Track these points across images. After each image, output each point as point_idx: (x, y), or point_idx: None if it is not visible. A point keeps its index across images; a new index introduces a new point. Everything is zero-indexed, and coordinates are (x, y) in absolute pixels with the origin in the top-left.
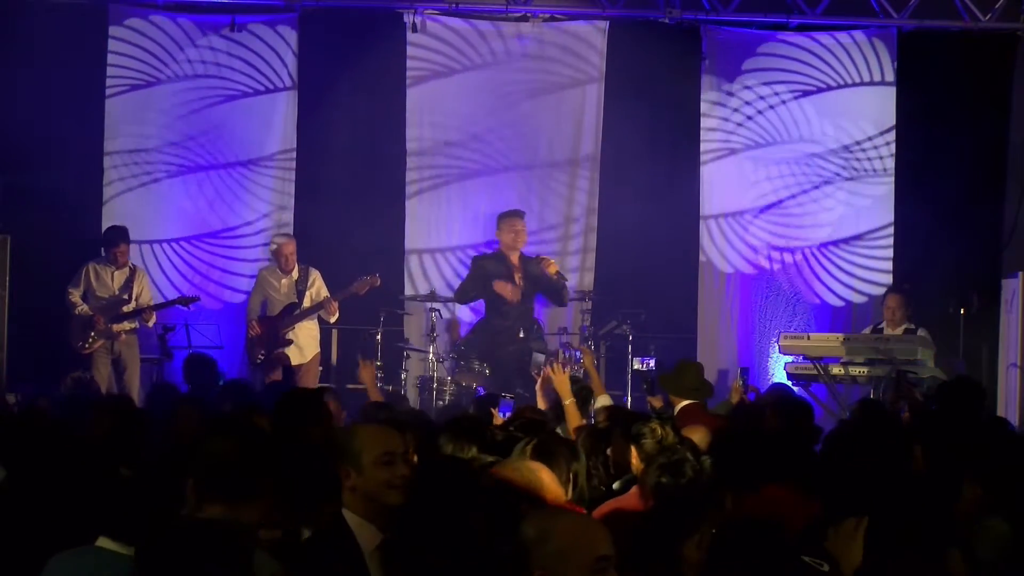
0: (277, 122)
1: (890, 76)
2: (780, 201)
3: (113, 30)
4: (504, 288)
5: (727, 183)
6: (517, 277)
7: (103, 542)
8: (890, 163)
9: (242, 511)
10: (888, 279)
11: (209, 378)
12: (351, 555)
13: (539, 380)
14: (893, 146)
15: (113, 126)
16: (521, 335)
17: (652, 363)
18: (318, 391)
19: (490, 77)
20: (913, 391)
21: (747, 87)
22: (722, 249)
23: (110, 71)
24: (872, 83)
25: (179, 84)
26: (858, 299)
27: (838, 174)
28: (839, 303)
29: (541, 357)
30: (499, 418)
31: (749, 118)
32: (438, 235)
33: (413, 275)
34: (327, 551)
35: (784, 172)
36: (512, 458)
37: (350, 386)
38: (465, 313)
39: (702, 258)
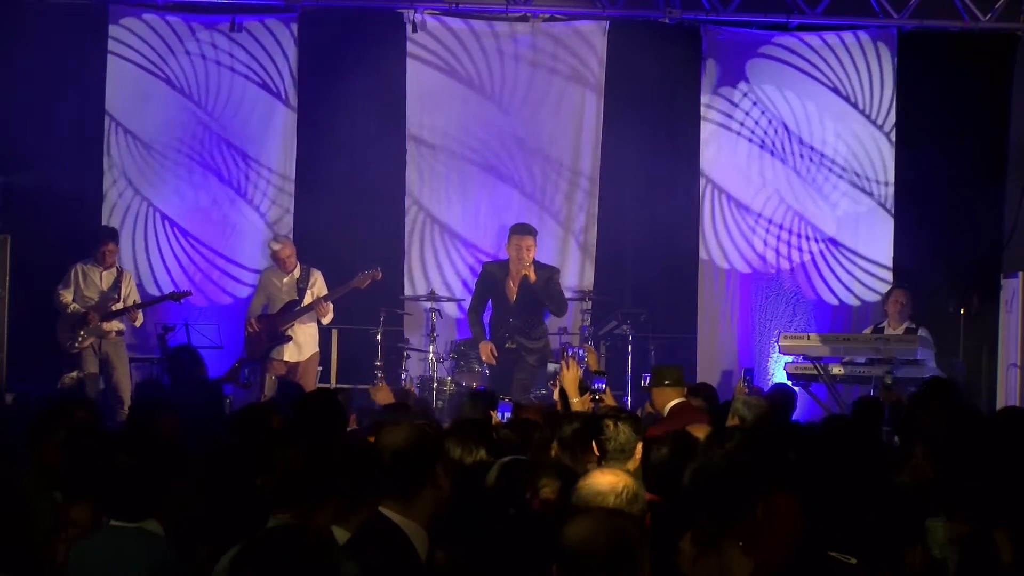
0: (277, 120)
1: (890, 76)
2: (780, 201)
3: (113, 30)
4: (484, 350)
5: (727, 183)
6: (512, 286)
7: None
8: (890, 163)
9: (313, 516)
10: (888, 279)
11: (193, 374)
12: (413, 562)
13: (555, 390)
14: (894, 146)
15: (113, 126)
16: (509, 345)
17: None
18: (335, 391)
19: (490, 77)
20: (893, 396)
21: (747, 87)
22: (722, 249)
23: (110, 71)
24: (872, 83)
25: (179, 84)
26: (858, 300)
27: (838, 174)
28: (838, 304)
29: (553, 367)
30: (498, 420)
31: (748, 114)
32: (438, 235)
33: (413, 275)
34: (386, 557)
35: (784, 172)
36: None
37: (348, 386)
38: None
39: (702, 257)
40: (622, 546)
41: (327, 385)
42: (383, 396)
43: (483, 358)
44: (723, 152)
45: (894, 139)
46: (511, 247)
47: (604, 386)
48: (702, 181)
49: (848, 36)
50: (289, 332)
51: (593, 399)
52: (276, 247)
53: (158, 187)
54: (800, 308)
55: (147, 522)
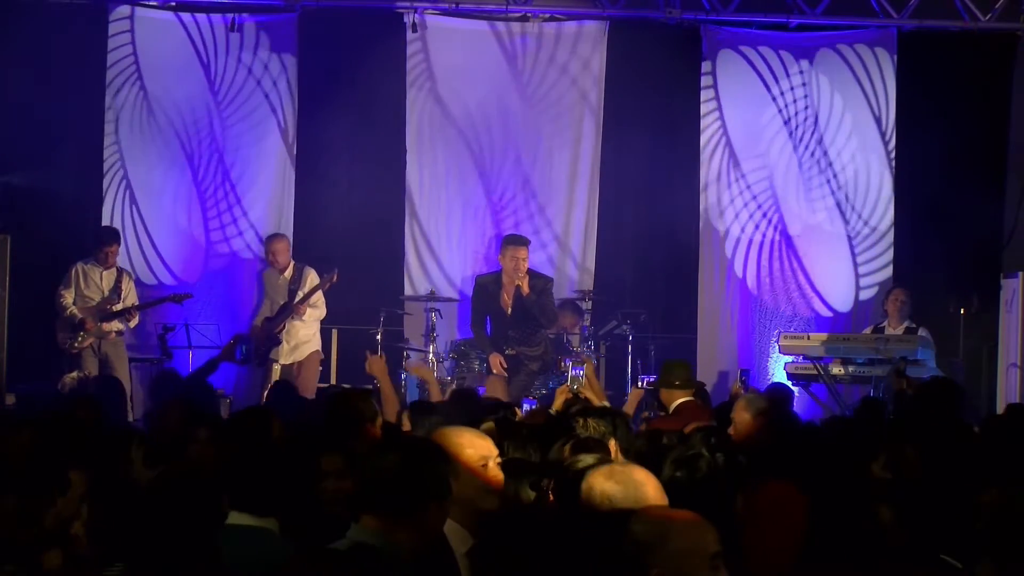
0: (276, 121)
1: (890, 76)
2: (778, 200)
3: (113, 29)
4: (493, 362)
5: (727, 183)
6: (507, 298)
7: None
8: (890, 163)
9: (397, 529)
10: (888, 279)
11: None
12: (445, 559)
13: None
14: (893, 146)
15: (113, 126)
16: (509, 352)
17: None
18: (366, 391)
19: (489, 77)
20: (901, 383)
21: (747, 87)
22: (722, 248)
23: (110, 71)
24: (873, 83)
25: (178, 83)
26: (859, 298)
27: (837, 174)
28: (839, 304)
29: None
30: (521, 415)
31: (750, 117)
32: (438, 234)
33: (413, 275)
34: (422, 556)
35: (783, 171)
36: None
37: (346, 385)
38: (464, 312)
39: (702, 257)
40: (634, 544)
41: (324, 385)
42: (378, 367)
43: (494, 371)
44: (723, 152)
45: (894, 139)
46: (506, 258)
47: (580, 373)
48: (702, 181)
49: (848, 36)
50: (280, 334)
51: (571, 389)
52: (268, 244)
53: (158, 186)
54: (800, 308)
55: (268, 520)
